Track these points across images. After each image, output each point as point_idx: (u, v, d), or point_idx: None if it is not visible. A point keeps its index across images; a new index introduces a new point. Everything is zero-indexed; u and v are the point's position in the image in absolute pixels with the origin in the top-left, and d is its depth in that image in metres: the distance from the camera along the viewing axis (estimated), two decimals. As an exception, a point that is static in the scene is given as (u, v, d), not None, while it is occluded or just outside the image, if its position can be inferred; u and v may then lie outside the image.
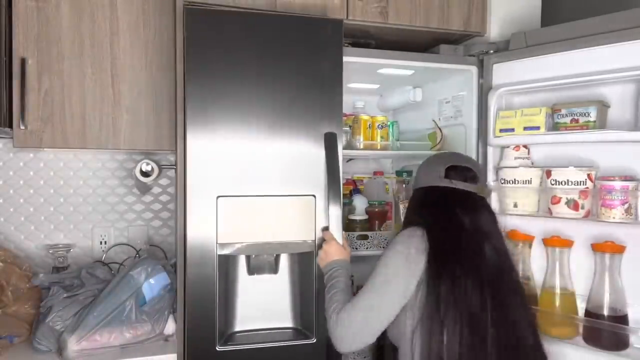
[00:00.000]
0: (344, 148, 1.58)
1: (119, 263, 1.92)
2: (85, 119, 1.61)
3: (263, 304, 1.51)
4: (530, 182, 1.58)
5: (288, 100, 1.44)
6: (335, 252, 1.39)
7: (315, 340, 1.46)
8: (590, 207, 1.47)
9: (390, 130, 1.90)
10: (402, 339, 1.20)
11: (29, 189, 1.89)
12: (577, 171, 1.47)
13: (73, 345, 1.42)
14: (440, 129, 1.97)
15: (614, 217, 1.39)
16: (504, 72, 1.69)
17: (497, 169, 1.69)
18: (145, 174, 1.86)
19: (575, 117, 1.51)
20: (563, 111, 1.54)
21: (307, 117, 1.46)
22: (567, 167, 1.49)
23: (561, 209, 1.49)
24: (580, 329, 1.45)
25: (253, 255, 1.50)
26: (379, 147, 1.88)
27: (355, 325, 1.18)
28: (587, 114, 1.48)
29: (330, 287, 1.31)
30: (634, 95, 1.44)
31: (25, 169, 1.88)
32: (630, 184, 1.38)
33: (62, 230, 1.93)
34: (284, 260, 1.53)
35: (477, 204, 1.26)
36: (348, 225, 1.83)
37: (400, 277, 1.16)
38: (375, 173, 2.21)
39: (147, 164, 1.86)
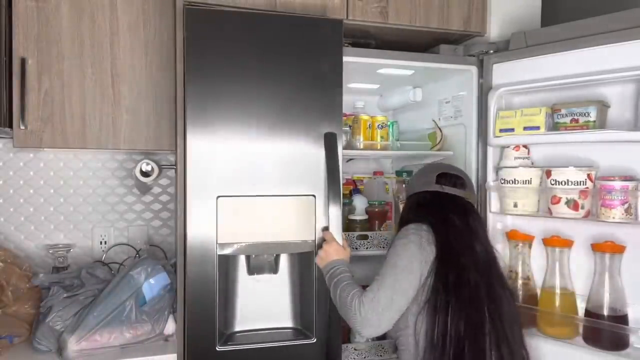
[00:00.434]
0: (344, 148, 1.59)
1: (119, 263, 1.92)
2: (85, 119, 1.61)
3: (263, 304, 1.51)
4: (530, 182, 1.58)
5: (288, 100, 1.44)
6: (335, 252, 1.39)
7: (315, 340, 1.46)
8: (590, 207, 1.47)
9: (390, 130, 1.90)
10: (403, 330, 1.26)
11: (29, 189, 1.89)
12: (577, 171, 1.47)
13: (73, 345, 1.42)
14: (440, 129, 1.97)
15: (613, 217, 1.39)
16: (504, 72, 1.68)
17: (497, 169, 1.69)
18: (145, 174, 1.86)
19: (575, 117, 1.51)
20: (563, 111, 1.54)
21: (307, 117, 1.46)
22: (567, 167, 1.49)
23: (561, 209, 1.49)
24: (580, 329, 1.46)
25: (253, 255, 1.50)
26: (379, 147, 1.88)
27: (383, 302, 1.21)
28: (587, 114, 1.48)
29: (338, 281, 1.32)
30: (633, 95, 1.44)
31: (25, 169, 1.88)
32: (630, 184, 1.38)
33: (62, 230, 1.93)
34: (284, 260, 1.53)
35: (467, 207, 1.37)
36: (348, 225, 1.83)
37: (416, 262, 1.24)
38: (375, 173, 2.20)
39: (147, 164, 1.86)
